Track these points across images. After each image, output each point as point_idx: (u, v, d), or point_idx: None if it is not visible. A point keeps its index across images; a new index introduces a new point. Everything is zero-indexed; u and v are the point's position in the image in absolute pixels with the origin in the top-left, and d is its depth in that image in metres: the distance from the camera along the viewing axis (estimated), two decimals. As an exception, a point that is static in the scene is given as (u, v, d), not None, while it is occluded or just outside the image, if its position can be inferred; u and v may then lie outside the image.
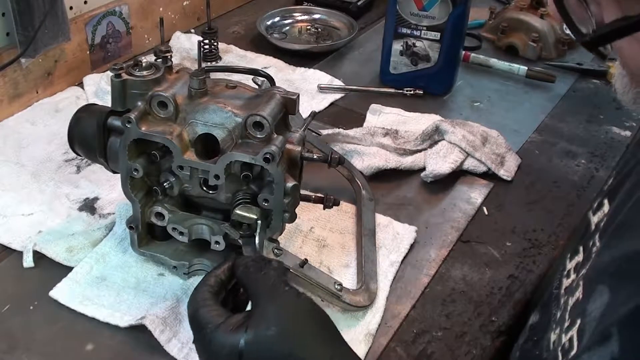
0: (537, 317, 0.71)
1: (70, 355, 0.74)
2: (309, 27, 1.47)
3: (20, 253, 0.84)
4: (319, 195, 0.82)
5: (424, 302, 0.82)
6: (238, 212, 0.73)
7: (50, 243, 0.85)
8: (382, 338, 0.77)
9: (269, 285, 0.61)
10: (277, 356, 0.57)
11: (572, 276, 0.66)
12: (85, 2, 1.20)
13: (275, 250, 0.74)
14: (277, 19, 1.48)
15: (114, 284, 0.81)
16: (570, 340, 0.56)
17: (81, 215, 0.91)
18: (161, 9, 1.35)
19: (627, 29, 0.48)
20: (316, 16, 1.49)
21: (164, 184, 0.76)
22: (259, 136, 0.72)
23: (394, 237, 0.90)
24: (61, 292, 0.79)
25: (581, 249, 0.68)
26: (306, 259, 0.76)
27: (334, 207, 0.83)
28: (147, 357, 0.74)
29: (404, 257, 0.88)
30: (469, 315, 0.81)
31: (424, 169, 1.02)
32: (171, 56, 0.78)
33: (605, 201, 0.68)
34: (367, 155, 1.02)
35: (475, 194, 1.00)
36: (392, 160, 1.02)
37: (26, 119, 1.11)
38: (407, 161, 1.02)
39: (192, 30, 1.41)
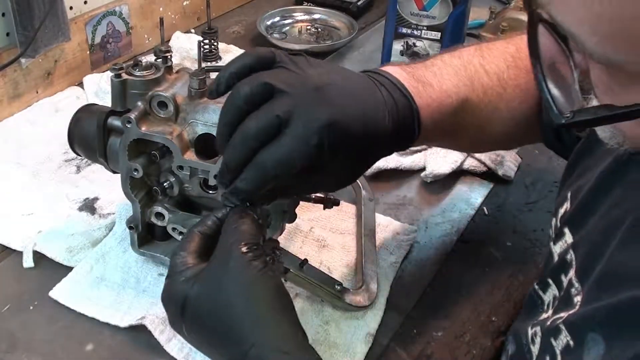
0: (514, 348, 0.68)
1: (70, 355, 0.74)
2: (309, 27, 1.47)
3: (20, 253, 0.84)
4: (319, 195, 0.82)
5: (424, 302, 0.82)
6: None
7: (50, 243, 0.85)
8: (382, 338, 0.77)
9: (230, 243, 0.61)
10: (211, 318, 0.59)
11: (549, 312, 0.64)
12: (85, 2, 1.20)
13: (275, 250, 0.74)
14: (277, 19, 1.48)
15: (114, 284, 0.81)
16: None
17: (81, 215, 0.91)
18: (161, 9, 1.35)
19: (607, 119, 0.42)
20: (316, 16, 1.50)
21: (164, 184, 0.76)
22: None
23: (394, 237, 0.90)
24: (61, 292, 0.79)
25: (550, 281, 0.65)
26: (306, 259, 0.76)
27: (333, 207, 0.83)
28: (147, 357, 0.74)
29: (404, 258, 0.88)
30: (469, 315, 0.81)
31: (424, 169, 1.02)
32: (171, 56, 0.78)
33: (566, 230, 0.65)
34: (367, 155, 1.02)
35: (475, 194, 1.00)
36: (392, 160, 1.02)
37: (26, 119, 1.11)
38: (407, 161, 1.02)
39: (192, 30, 1.41)
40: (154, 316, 0.75)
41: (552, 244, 0.68)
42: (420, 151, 1.04)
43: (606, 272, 0.55)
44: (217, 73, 0.79)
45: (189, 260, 0.62)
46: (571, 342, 0.56)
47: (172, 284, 0.62)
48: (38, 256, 0.84)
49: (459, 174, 1.02)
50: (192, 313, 0.60)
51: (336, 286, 0.77)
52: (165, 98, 0.73)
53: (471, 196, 0.99)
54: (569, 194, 0.68)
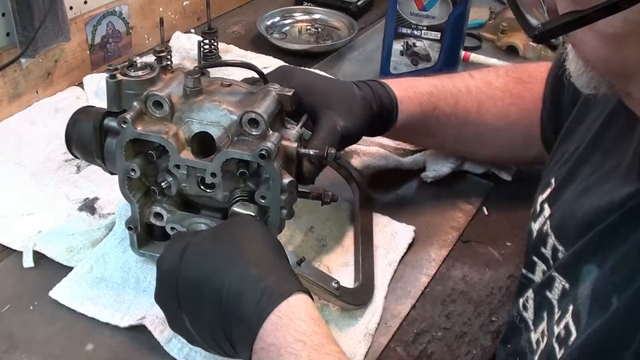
0: (505, 330, 0.72)
1: (70, 355, 0.74)
2: (309, 27, 1.47)
3: (20, 253, 0.84)
4: (317, 191, 0.83)
5: (424, 302, 0.82)
6: (235, 209, 0.73)
7: (50, 243, 0.85)
8: (382, 338, 0.77)
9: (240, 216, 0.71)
10: (212, 252, 0.64)
11: (538, 281, 0.66)
12: (85, 2, 1.20)
13: None
14: (277, 19, 1.48)
15: (114, 284, 0.81)
16: (566, 326, 0.56)
17: (81, 215, 0.91)
18: (161, 9, 1.35)
19: (574, 23, 0.46)
20: (316, 16, 1.49)
21: (162, 184, 0.76)
22: (254, 133, 0.72)
23: (392, 236, 0.90)
24: (61, 292, 0.79)
25: (535, 258, 0.67)
26: (304, 257, 0.76)
27: (332, 203, 0.83)
28: (147, 357, 0.74)
29: (402, 257, 0.88)
30: (469, 315, 0.81)
31: (424, 169, 1.02)
32: (169, 56, 0.79)
33: (545, 206, 0.68)
34: (367, 155, 1.02)
35: (475, 194, 1.00)
36: (392, 160, 1.02)
37: (26, 119, 1.11)
38: (407, 161, 1.02)
39: (192, 30, 1.41)
40: (154, 316, 0.75)
41: (532, 223, 0.70)
42: (420, 151, 1.04)
43: (584, 219, 0.58)
44: (214, 69, 0.80)
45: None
46: (567, 285, 0.58)
47: (173, 240, 0.68)
48: (38, 256, 0.84)
49: (459, 174, 1.02)
50: (192, 254, 0.63)
51: (333, 284, 0.76)
52: (161, 98, 0.73)
53: (471, 196, 0.99)
54: (552, 179, 0.70)
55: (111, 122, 0.76)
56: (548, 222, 0.66)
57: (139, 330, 0.75)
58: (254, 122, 0.72)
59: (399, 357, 0.76)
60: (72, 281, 0.81)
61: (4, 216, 0.91)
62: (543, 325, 0.61)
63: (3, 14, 1.07)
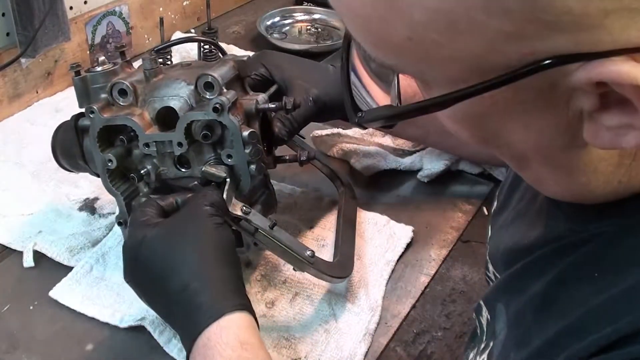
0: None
1: (70, 355, 0.74)
2: (309, 27, 1.47)
3: (20, 253, 0.85)
4: (293, 153, 0.83)
5: (424, 302, 0.82)
6: (206, 169, 0.73)
7: (50, 243, 0.85)
8: (382, 338, 0.77)
9: (198, 202, 0.69)
10: (162, 257, 0.65)
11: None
12: (85, 2, 1.20)
13: (244, 208, 0.73)
14: (277, 19, 1.48)
15: (114, 284, 0.81)
16: None
17: (81, 215, 0.91)
18: (161, 9, 1.35)
19: (391, 117, 0.43)
20: (316, 16, 1.50)
21: (141, 172, 0.77)
22: (209, 97, 0.73)
23: (391, 236, 0.90)
24: (61, 292, 0.79)
25: (487, 277, 0.68)
26: (276, 221, 0.74)
27: (310, 161, 0.84)
28: (147, 357, 0.74)
29: (401, 257, 0.88)
30: (469, 315, 0.81)
31: (422, 169, 1.01)
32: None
33: (490, 227, 0.69)
34: (367, 155, 1.02)
35: (475, 194, 1.00)
36: (391, 161, 1.02)
37: (26, 119, 1.11)
38: (407, 161, 1.02)
39: (192, 30, 1.41)
40: (154, 317, 0.75)
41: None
42: (417, 151, 1.04)
43: (503, 257, 0.59)
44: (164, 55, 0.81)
45: (151, 212, 0.69)
46: (489, 316, 0.58)
47: (134, 228, 0.68)
48: (38, 256, 0.84)
49: (458, 174, 1.02)
50: (146, 251, 0.65)
51: (307, 253, 0.74)
52: (124, 85, 0.74)
53: (471, 196, 0.99)
54: (497, 193, 0.71)
55: (85, 121, 0.78)
56: (488, 247, 0.66)
57: (139, 330, 0.75)
58: (209, 85, 0.73)
59: (399, 357, 0.76)
60: (72, 281, 0.81)
61: (4, 216, 0.91)
62: (478, 345, 0.61)
63: (3, 14, 1.07)
